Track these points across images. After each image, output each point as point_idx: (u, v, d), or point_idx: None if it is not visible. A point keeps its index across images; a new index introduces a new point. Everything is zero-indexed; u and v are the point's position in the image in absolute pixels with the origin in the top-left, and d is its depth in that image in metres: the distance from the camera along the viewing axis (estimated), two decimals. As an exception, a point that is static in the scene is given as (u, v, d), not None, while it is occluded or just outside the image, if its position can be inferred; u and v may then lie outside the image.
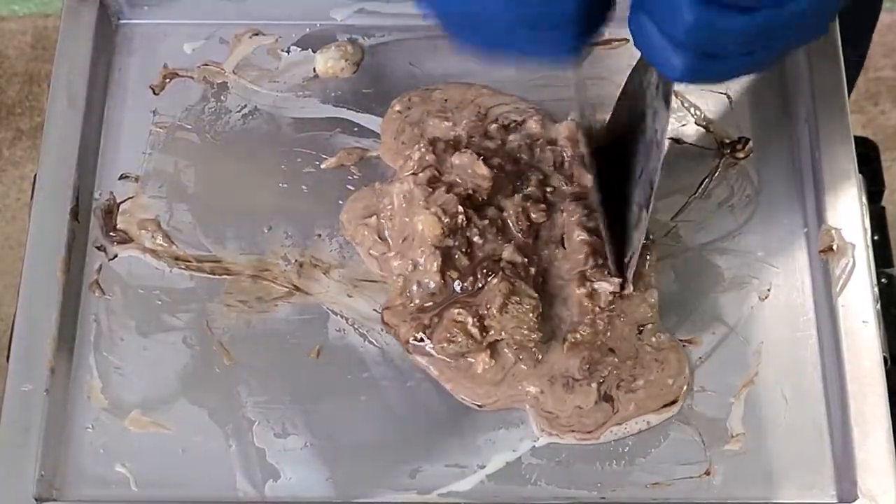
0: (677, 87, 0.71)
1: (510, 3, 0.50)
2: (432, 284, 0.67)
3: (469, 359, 0.66)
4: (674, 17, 0.47)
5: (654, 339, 0.67)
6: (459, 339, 0.65)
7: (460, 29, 0.54)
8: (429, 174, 0.69)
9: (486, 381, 0.66)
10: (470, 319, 0.65)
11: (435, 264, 0.67)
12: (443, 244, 0.67)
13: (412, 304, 0.67)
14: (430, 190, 0.68)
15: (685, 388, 0.66)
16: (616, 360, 0.66)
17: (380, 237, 0.70)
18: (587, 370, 0.66)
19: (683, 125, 0.74)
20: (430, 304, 0.67)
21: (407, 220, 0.68)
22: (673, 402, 0.66)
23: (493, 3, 0.51)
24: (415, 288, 0.67)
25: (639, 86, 0.61)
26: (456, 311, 0.66)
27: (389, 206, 0.69)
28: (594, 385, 0.66)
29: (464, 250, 0.68)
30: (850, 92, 0.75)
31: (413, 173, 0.69)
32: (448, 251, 0.67)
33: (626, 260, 0.66)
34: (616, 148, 0.65)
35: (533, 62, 0.58)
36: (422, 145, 0.70)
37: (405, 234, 0.69)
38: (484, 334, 0.66)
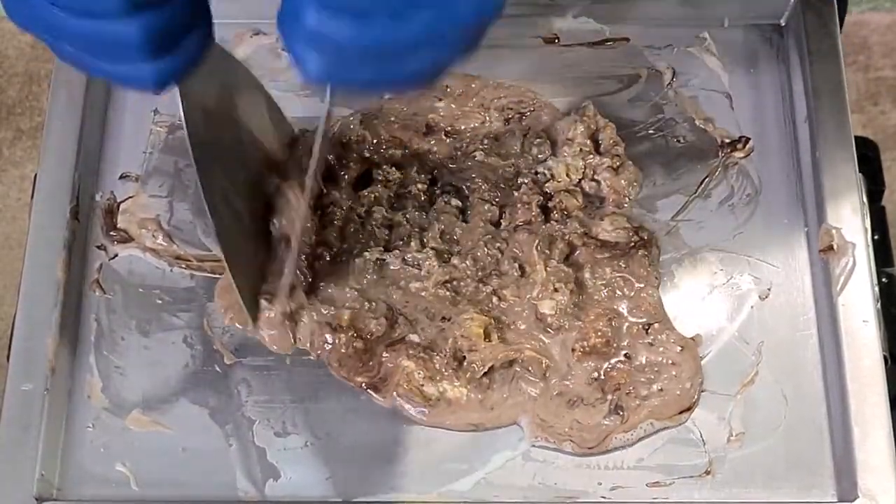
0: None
1: (74, 30, 0.49)
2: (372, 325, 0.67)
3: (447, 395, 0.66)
4: (299, 19, 0.47)
5: (663, 338, 0.67)
6: (416, 399, 0.65)
7: (50, 44, 0.52)
8: None
9: (475, 408, 0.66)
10: (421, 374, 0.65)
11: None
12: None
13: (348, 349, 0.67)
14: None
15: (700, 391, 0.66)
16: (630, 366, 0.66)
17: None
18: (599, 383, 0.66)
19: (683, 125, 0.74)
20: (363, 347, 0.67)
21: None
22: (689, 409, 0.66)
23: (63, 26, 0.49)
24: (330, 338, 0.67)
25: None
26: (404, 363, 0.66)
27: None
28: (605, 404, 0.65)
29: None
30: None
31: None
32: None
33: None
34: None
35: (118, 84, 0.57)
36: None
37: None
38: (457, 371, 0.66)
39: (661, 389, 0.65)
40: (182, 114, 0.57)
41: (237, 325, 0.68)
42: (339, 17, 0.46)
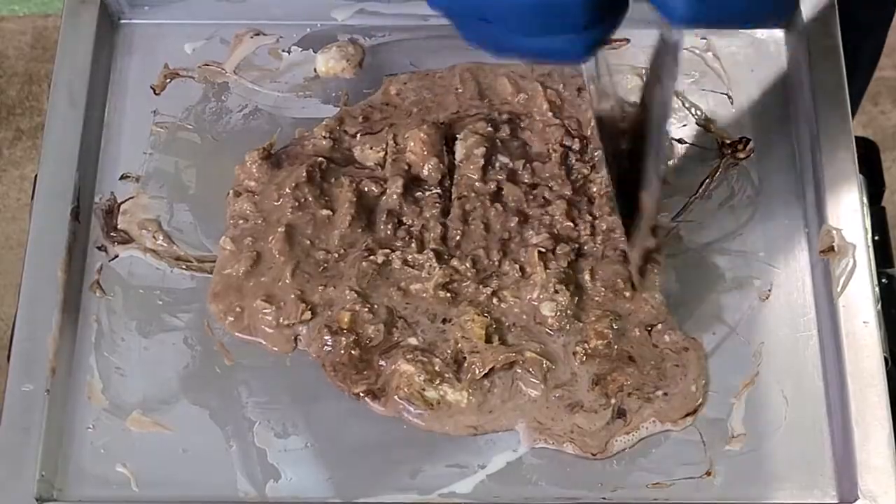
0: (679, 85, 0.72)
1: (515, 4, 0.50)
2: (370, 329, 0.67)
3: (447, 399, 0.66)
4: None
5: (667, 338, 0.67)
6: (417, 403, 0.65)
7: (470, 26, 0.54)
8: None
9: (474, 412, 0.66)
10: (421, 377, 0.65)
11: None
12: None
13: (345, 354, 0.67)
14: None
15: (705, 393, 0.66)
16: (636, 370, 0.66)
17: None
18: (601, 387, 0.66)
19: (684, 125, 0.74)
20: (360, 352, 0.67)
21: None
22: (694, 412, 0.66)
23: (498, 3, 0.51)
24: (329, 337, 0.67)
25: (657, 59, 0.62)
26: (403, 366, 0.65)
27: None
28: (608, 409, 0.65)
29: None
30: (862, 92, 0.75)
31: None
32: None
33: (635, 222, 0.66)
34: (635, 146, 0.65)
35: (542, 60, 0.57)
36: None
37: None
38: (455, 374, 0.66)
39: (666, 394, 0.65)
40: (591, 82, 0.60)
41: (235, 332, 0.68)
42: None
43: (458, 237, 0.69)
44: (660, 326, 0.67)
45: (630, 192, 0.64)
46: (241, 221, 0.70)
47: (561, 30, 0.51)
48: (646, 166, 0.63)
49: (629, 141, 0.65)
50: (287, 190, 0.70)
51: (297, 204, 0.70)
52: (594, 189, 0.71)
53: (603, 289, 0.68)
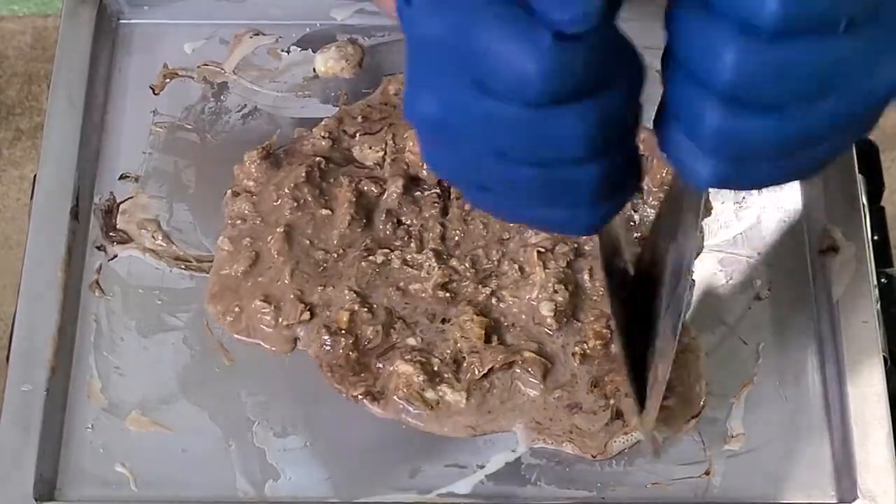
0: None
1: (522, 178, 0.45)
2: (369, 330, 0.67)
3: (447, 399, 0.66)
4: (698, 119, 0.42)
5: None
6: (416, 404, 0.65)
7: (473, 194, 0.48)
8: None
9: (472, 412, 0.65)
10: (420, 378, 0.65)
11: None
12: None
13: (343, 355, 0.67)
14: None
15: (705, 394, 0.66)
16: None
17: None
18: (600, 388, 0.65)
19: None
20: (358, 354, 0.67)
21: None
22: (697, 415, 0.65)
23: (504, 175, 0.45)
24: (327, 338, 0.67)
25: (671, 211, 0.56)
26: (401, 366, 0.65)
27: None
28: (607, 411, 0.65)
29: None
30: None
31: None
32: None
33: (648, 390, 0.61)
34: (642, 279, 0.60)
35: (548, 231, 0.53)
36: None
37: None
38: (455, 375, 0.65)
39: (667, 397, 0.65)
40: (598, 248, 0.55)
41: (235, 334, 0.68)
42: (748, 113, 0.41)
43: (457, 237, 0.69)
44: None
45: (639, 349, 0.60)
46: (238, 222, 0.70)
47: (566, 204, 0.46)
48: (659, 331, 0.58)
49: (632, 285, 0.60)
50: (286, 190, 0.70)
51: (296, 204, 0.70)
52: None
53: (602, 289, 0.68)
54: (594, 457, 0.64)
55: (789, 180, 0.47)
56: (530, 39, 0.39)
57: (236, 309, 0.68)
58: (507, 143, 0.43)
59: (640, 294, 0.59)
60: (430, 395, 0.65)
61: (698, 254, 0.70)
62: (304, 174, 0.70)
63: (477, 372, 0.65)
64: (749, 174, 0.44)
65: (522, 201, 0.47)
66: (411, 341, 0.66)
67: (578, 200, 0.46)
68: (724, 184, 0.45)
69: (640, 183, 0.49)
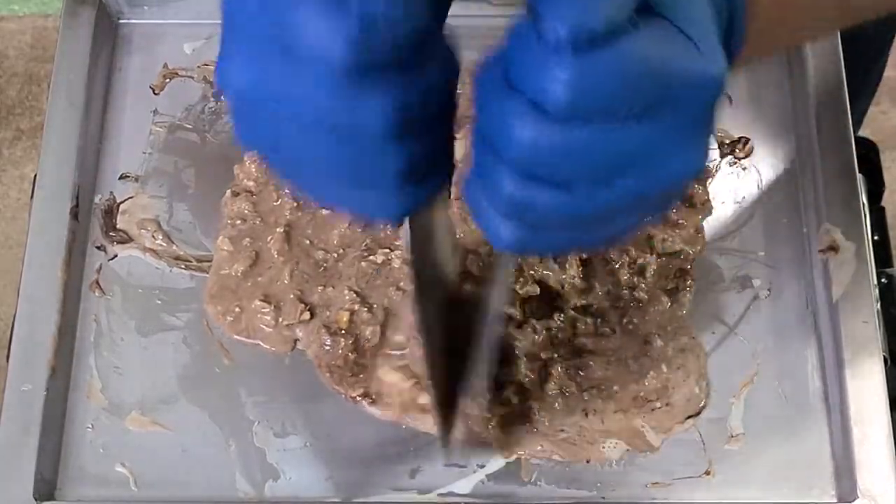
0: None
1: (326, 153, 0.44)
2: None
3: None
4: (494, 187, 0.43)
5: (660, 343, 0.67)
6: (411, 411, 0.65)
7: (280, 169, 0.47)
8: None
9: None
10: (408, 384, 0.65)
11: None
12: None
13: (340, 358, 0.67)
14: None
15: (707, 394, 0.66)
16: (636, 386, 0.66)
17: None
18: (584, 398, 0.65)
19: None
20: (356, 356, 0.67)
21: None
22: (697, 414, 0.65)
23: (309, 149, 0.44)
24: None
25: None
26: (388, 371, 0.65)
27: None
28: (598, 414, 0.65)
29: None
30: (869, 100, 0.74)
31: None
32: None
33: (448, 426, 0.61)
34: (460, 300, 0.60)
35: (359, 216, 0.51)
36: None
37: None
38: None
39: (668, 403, 0.65)
40: (408, 244, 0.53)
41: (234, 335, 0.68)
42: (539, 186, 0.42)
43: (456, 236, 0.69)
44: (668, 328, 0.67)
45: (448, 379, 0.59)
46: (238, 222, 0.70)
47: (370, 186, 0.46)
48: (471, 369, 0.57)
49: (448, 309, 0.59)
50: (286, 189, 0.70)
51: (295, 204, 0.70)
52: None
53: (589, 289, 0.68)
54: (588, 462, 0.64)
55: (594, 248, 0.46)
56: (338, 9, 0.39)
57: (236, 309, 0.68)
58: (313, 115, 0.43)
59: (456, 311, 0.58)
60: (423, 399, 0.65)
61: (700, 252, 0.70)
62: None
63: None
64: (546, 241, 0.45)
65: (329, 181, 0.46)
66: (399, 338, 0.66)
67: (383, 183, 0.45)
68: (522, 248, 0.45)
69: (451, 170, 0.48)
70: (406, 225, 0.51)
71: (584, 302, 0.67)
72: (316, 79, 0.41)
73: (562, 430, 0.64)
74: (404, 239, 0.54)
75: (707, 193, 0.71)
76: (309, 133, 0.43)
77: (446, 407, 0.60)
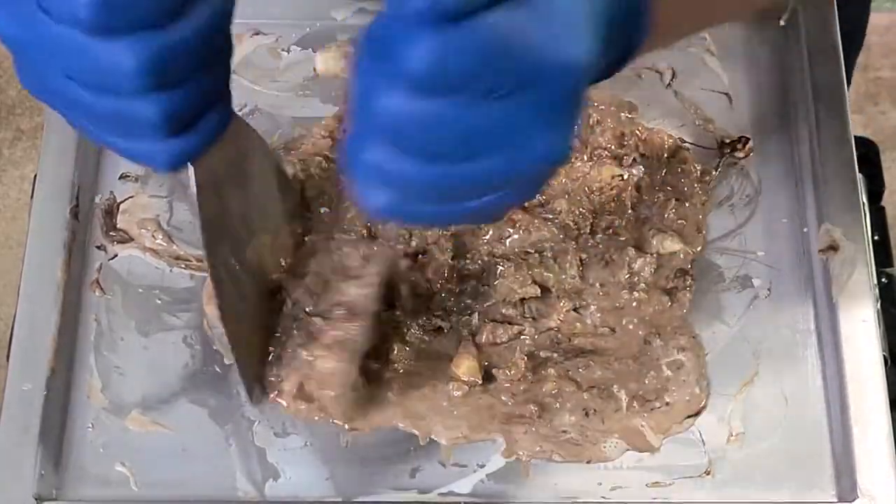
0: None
1: (88, 103, 0.46)
2: None
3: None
4: (365, 157, 0.45)
5: (659, 342, 0.67)
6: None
7: (60, 113, 0.49)
8: None
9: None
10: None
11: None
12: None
13: None
14: None
15: (708, 394, 0.66)
16: (636, 385, 0.66)
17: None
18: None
19: (683, 125, 0.74)
20: None
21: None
22: (696, 413, 0.65)
23: (75, 97, 0.47)
24: None
25: None
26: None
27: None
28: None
29: None
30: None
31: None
32: None
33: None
34: None
35: (136, 163, 0.53)
36: None
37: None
38: None
39: (668, 403, 0.65)
40: (193, 190, 0.55)
41: None
42: (404, 156, 0.44)
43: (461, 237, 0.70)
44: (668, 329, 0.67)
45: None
46: None
47: (137, 136, 0.48)
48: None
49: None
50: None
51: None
52: (595, 186, 0.71)
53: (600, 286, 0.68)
54: (588, 462, 0.64)
55: (466, 223, 0.51)
56: None
57: None
58: (70, 67, 0.45)
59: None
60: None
61: (701, 252, 0.70)
62: (294, 172, 0.70)
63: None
64: (413, 211, 0.46)
65: (99, 129, 0.48)
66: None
67: (146, 133, 0.47)
68: (391, 215, 0.47)
69: (226, 116, 0.51)
70: (190, 171, 0.53)
71: (583, 302, 0.67)
72: (67, 35, 0.44)
73: (564, 432, 0.64)
74: (190, 185, 0.55)
75: (707, 193, 0.71)
76: (71, 85, 0.46)
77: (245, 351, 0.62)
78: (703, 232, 0.70)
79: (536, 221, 0.69)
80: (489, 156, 0.44)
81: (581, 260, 0.68)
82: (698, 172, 0.71)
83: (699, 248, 0.70)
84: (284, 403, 0.64)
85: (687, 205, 0.70)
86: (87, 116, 0.48)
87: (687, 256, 0.69)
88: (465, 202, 0.46)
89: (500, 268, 0.67)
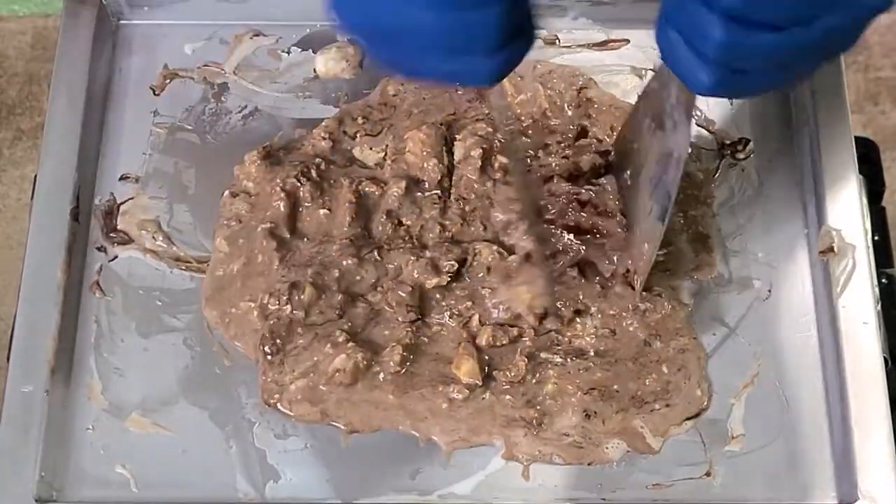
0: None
1: (424, 23, 0.49)
2: None
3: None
4: (703, 34, 0.48)
5: (659, 345, 0.67)
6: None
7: (375, 45, 0.53)
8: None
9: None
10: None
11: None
12: None
13: None
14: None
15: (710, 395, 0.66)
16: (635, 386, 0.66)
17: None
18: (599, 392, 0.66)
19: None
20: None
21: None
22: (697, 415, 0.65)
23: (407, 20, 0.49)
24: None
25: (657, 97, 0.61)
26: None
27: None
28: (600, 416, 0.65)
29: None
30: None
31: None
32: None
33: (633, 271, 0.65)
34: (624, 158, 0.64)
35: (451, 84, 0.55)
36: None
37: None
38: None
39: (668, 405, 0.65)
40: (500, 107, 0.59)
41: (236, 343, 0.68)
42: (748, 30, 0.47)
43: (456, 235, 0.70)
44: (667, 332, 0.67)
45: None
46: (234, 223, 0.70)
47: (468, 51, 0.50)
48: (644, 213, 0.63)
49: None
50: (277, 189, 0.70)
51: (287, 202, 0.70)
52: (596, 188, 0.71)
53: (599, 287, 0.68)
54: (589, 464, 0.64)
55: (778, 88, 0.57)
56: None
57: (232, 310, 0.68)
58: None
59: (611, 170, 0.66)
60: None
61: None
62: (296, 173, 0.70)
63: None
64: (744, 84, 0.50)
65: (425, 52, 0.50)
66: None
67: (477, 47, 0.50)
68: (721, 92, 0.51)
69: (535, 35, 0.52)
70: (497, 88, 0.56)
71: (583, 303, 0.67)
72: None
73: (565, 435, 0.64)
74: (495, 103, 0.59)
75: (707, 193, 0.71)
76: (408, 7, 0.48)
77: None
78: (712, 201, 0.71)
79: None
80: (827, 15, 0.47)
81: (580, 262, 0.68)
82: (699, 174, 0.71)
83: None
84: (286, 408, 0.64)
85: (687, 205, 0.70)
86: (415, 41, 0.50)
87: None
88: (795, 67, 0.50)
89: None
